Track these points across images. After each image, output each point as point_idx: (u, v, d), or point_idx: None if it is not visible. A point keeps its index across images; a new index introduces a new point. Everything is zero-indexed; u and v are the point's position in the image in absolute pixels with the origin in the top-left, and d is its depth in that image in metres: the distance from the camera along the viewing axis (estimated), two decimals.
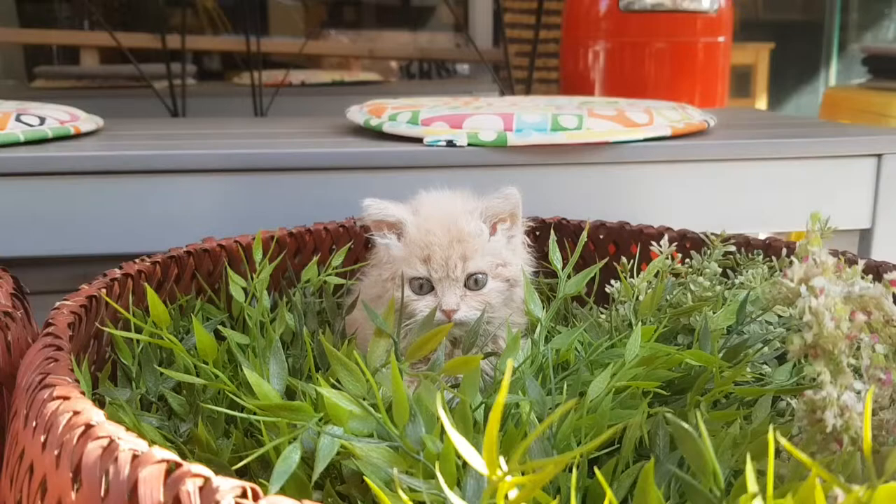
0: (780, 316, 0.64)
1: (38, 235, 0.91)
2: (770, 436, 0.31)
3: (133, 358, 0.59)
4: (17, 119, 0.98)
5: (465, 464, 0.39)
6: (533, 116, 0.97)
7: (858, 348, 0.42)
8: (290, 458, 0.39)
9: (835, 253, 0.71)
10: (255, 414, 0.42)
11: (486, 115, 0.99)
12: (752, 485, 0.31)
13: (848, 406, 0.38)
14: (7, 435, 0.47)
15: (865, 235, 1.04)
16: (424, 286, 0.59)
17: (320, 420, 0.42)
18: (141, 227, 0.93)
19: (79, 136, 1.05)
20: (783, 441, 0.33)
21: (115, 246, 0.93)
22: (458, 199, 0.63)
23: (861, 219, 1.02)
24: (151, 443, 0.48)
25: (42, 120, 1.01)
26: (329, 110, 1.45)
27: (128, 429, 0.48)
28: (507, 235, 0.62)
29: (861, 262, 0.43)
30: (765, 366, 0.60)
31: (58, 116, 1.04)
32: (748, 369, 0.58)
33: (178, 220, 0.93)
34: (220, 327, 0.66)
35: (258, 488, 0.32)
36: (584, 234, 0.60)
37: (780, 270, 0.69)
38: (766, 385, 0.56)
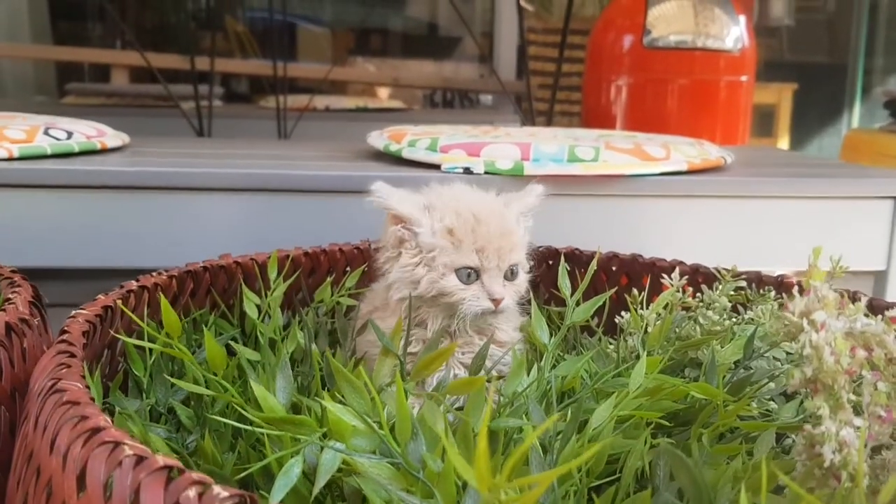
0: (788, 353, 0.64)
1: (61, 247, 0.92)
2: (764, 468, 0.31)
3: (145, 369, 0.60)
4: (46, 132, 1.01)
5: (465, 484, 0.40)
6: (550, 147, 0.98)
7: (860, 385, 0.42)
8: (292, 472, 0.40)
9: (843, 291, 0.71)
10: (260, 427, 0.42)
11: (504, 144, 1.00)
12: None
13: (847, 442, 0.38)
14: (17, 440, 0.47)
15: (880, 277, 1.03)
16: (471, 276, 0.61)
17: (324, 435, 0.43)
18: (162, 243, 0.94)
19: (105, 151, 1.07)
20: (780, 474, 0.33)
21: (136, 260, 0.94)
22: (482, 191, 0.66)
23: (876, 260, 1.02)
24: (156, 451, 0.49)
25: (69, 134, 1.03)
26: (351, 135, 1.47)
27: (133, 436, 0.49)
28: (525, 228, 0.66)
29: (865, 300, 0.43)
30: (771, 402, 0.60)
31: (85, 131, 1.06)
32: (754, 405, 0.58)
33: (199, 236, 0.95)
34: (231, 343, 0.67)
35: (257, 497, 0.33)
36: (594, 262, 0.61)
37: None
38: (773, 421, 0.56)
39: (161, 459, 0.34)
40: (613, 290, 0.66)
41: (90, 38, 3.46)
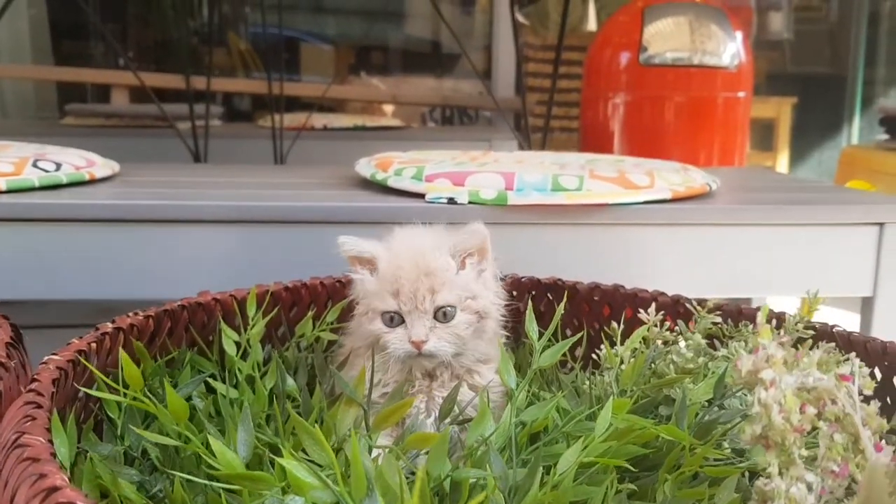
0: None
1: (47, 280, 0.93)
2: None
3: (120, 412, 0.61)
4: (34, 165, 1.02)
5: None
6: (534, 176, 0.99)
7: (816, 434, 0.42)
8: None
9: (823, 325, 0.71)
10: (220, 482, 0.43)
11: (488, 174, 1.00)
12: None
13: (796, 499, 0.38)
14: None
15: (867, 303, 1.03)
16: (395, 319, 0.61)
17: (283, 489, 0.43)
18: (149, 274, 0.95)
19: (93, 181, 1.08)
20: None
21: (123, 291, 0.95)
22: (429, 234, 0.66)
23: (862, 287, 1.02)
24: (124, 498, 0.50)
25: (58, 166, 1.04)
26: (348, 155, 1.48)
27: (103, 490, 0.49)
28: (476, 270, 0.65)
29: (823, 348, 0.43)
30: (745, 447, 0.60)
31: (74, 162, 1.07)
32: (726, 445, 0.58)
33: (185, 268, 0.96)
34: (210, 380, 0.68)
35: None
36: (562, 305, 0.61)
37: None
38: (744, 461, 0.56)
39: None
40: (580, 335, 0.66)
41: (92, 57, 3.48)
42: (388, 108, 3.26)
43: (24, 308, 0.85)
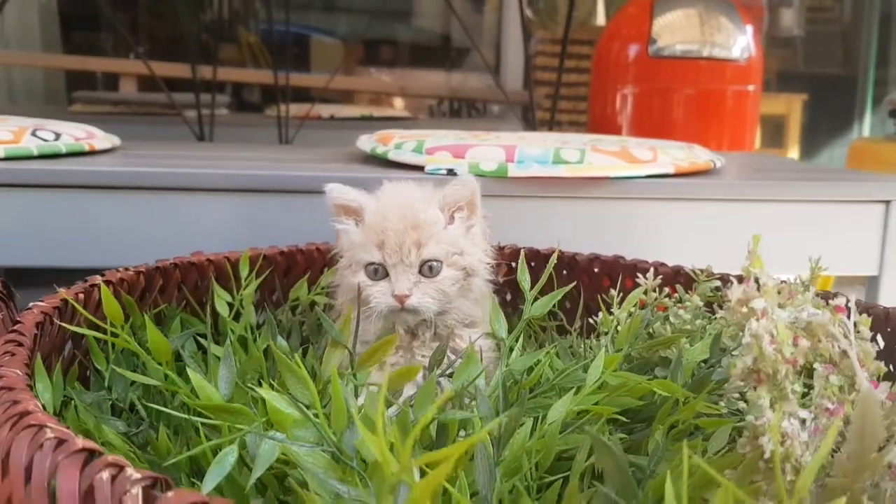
0: None
1: (42, 246, 0.92)
2: (685, 450, 0.30)
3: (107, 363, 0.60)
4: (33, 134, 1.01)
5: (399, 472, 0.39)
6: (535, 149, 0.98)
7: (810, 377, 0.41)
8: (226, 460, 0.39)
9: (825, 293, 0.70)
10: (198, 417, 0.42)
11: (489, 147, 0.99)
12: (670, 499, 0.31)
13: (788, 433, 0.37)
14: None
15: (873, 282, 1.01)
16: (379, 271, 0.59)
17: (264, 425, 0.42)
18: (146, 242, 0.94)
19: (93, 153, 1.08)
20: (707, 467, 0.32)
21: (120, 259, 0.93)
22: (418, 188, 0.64)
23: (868, 265, 1.00)
24: (107, 444, 0.49)
25: (57, 136, 1.04)
26: (352, 142, 1.47)
27: (87, 431, 0.48)
28: (465, 225, 0.62)
29: (848, 300, 0.42)
30: (741, 402, 0.59)
31: (73, 133, 1.07)
32: (722, 404, 0.57)
33: (184, 236, 0.95)
34: (199, 338, 0.67)
35: (171, 480, 0.32)
36: (554, 256, 0.60)
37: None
38: (741, 420, 0.55)
39: (80, 442, 0.34)
40: (572, 285, 0.65)
41: (100, 47, 3.49)
42: (397, 103, 3.26)
43: (20, 277, 0.85)
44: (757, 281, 0.37)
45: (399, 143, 1.05)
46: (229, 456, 0.39)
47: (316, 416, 0.41)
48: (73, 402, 0.55)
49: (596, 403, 0.51)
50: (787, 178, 1.04)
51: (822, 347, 0.39)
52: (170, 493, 0.31)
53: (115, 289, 0.63)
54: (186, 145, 1.45)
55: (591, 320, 0.73)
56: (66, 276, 1.00)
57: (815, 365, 0.40)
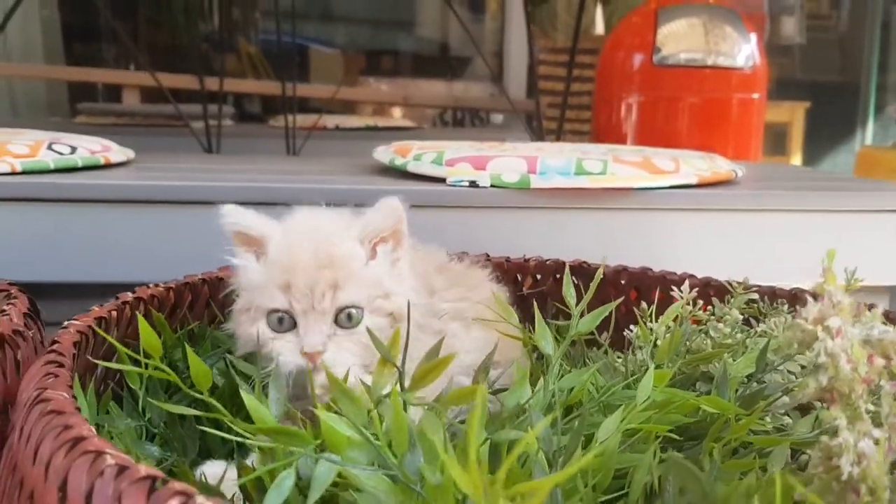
0: (802, 366, 0.62)
1: (61, 262, 0.91)
2: (779, 481, 0.29)
3: (141, 383, 0.59)
4: (49, 147, 1.00)
5: (464, 498, 0.38)
6: (557, 160, 0.97)
7: (878, 396, 0.40)
8: (283, 485, 0.38)
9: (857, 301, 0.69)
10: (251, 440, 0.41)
11: (510, 158, 0.98)
12: None
13: (866, 454, 0.36)
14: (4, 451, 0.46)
15: (895, 292, 1.01)
16: (284, 321, 0.49)
17: (318, 447, 0.41)
18: (165, 257, 0.93)
19: (109, 166, 1.07)
20: (798, 486, 0.31)
21: (138, 275, 0.92)
22: (333, 215, 0.54)
23: (889, 275, 1.00)
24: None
25: (73, 149, 1.03)
26: (360, 153, 1.46)
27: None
28: (389, 259, 0.53)
29: (881, 309, 0.42)
30: (786, 417, 0.58)
31: (89, 146, 1.06)
32: (768, 419, 0.56)
33: (203, 250, 0.93)
34: (228, 356, 0.66)
35: None
36: (600, 271, 0.59)
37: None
38: (787, 436, 0.54)
39: (143, 469, 0.33)
40: (621, 300, 0.63)
41: (102, 58, 3.48)
42: (399, 113, 3.25)
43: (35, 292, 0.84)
44: (831, 299, 0.36)
45: (418, 154, 1.05)
46: (287, 480, 0.38)
47: (375, 437, 0.40)
48: (105, 427, 0.54)
49: (647, 419, 0.50)
50: (808, 189, 1.03)
51: (893, 365, 0.38)
52: None
53: (145, 306, 0.62)
54: (199, 157, 1.44)
55: (625, 333, 0.72)
56: (81, 290, 0.99)
57: (882, 382, 0.40)
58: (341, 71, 3.93)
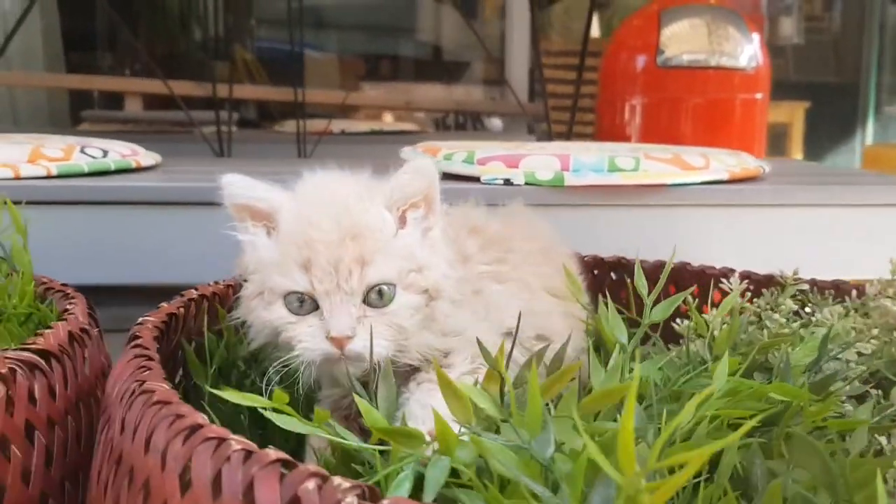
0: (860, 354, 0.62)
1: (99, 264, 0.91)
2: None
3: (206, 379, 0.59)
4: (82, 151, 1.00)
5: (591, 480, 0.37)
6: (589, 157, 0.98)
7: None
8: (403, 485, 0.38)
9: None
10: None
11: (543, 156, 0.99)
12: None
13: None
14: (97, 446, 0.46)
15: None
16: (306, 303, 0.43)
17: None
18: (201, 258, 0.93)
19: (140, 169, 1.07)
20: None
21: (172, 276, 0.93)
22: (351, 179, 0.48)
23: None
24: None
25: (105, 153, 1.03)
26: (368, 157, 1.46)
27: None
28: (421, 228, 0.47)
29: None
30: (846, 404, 0.59)
31: (120, 150, 1.06)
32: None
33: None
34: None
35: (377, 489, 0.31)
36: (670, 263, 0.60)
37: (855, 311, 0.67)
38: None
39: (273, 453, 0.33)
40: (690, 291, 0.64)
41: (103, 66, 3.48)
42: (399, 116, 3.26)
43: None
44: None
45: (448, 154, 1.05)
46: (405, 481, 0.38)
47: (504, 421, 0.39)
48: None
49: (724, 405, 0.50)
50: (837, 183, 1.04)
51: None
52: (385, 502, 0.30)
53: (209, 303, 0.62)
54: (216, 161, 1.45)
55: (674, 325, 0.73)
56: (106, 293, 0.99)
57: None
58: (339, 76, 3.93)
